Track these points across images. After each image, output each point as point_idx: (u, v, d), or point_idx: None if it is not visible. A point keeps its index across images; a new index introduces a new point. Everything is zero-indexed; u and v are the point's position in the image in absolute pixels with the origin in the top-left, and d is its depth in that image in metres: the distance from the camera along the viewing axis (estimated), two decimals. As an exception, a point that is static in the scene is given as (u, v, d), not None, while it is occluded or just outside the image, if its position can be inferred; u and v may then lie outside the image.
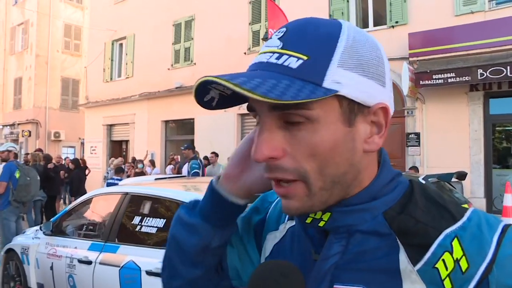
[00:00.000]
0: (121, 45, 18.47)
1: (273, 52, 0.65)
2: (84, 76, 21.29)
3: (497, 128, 9.95)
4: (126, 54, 17.90)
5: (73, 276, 4.02)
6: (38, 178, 7.83)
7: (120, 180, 9.50)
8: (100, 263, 3.79)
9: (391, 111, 0.69)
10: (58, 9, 25.18)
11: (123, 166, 11.56)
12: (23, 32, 25.81)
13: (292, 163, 0.65)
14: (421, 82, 9.28)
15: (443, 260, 0.62)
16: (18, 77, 25.83)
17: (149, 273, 3.34)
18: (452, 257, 0.62)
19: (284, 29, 0.68)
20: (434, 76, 9.16)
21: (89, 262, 3.87)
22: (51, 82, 24.76)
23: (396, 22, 10.54)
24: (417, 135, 9.95)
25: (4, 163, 7.34)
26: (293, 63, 0.62)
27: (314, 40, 0.64)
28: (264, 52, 0.67)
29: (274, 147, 0.65)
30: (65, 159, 12.00)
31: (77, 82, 25.77)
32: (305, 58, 0.62)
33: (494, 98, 9.50)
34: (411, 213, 0.67)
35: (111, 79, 18.63)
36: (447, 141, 9.54)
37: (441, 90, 9.48)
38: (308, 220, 0.72)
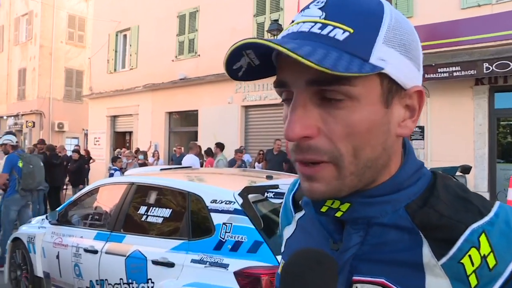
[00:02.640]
0: (125, 36, 18.44)
1: (315, 22, 0.61)
2: (88, 67, 21.28)
3: (501, 123, 9.91)
4: (130, 45, 17.87)
5: (79, 265, 4.05)
6: (42, 164, 7.88)
7: (117, 169, 9.55)
8: (106, 253, 3.81)
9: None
10: (62, 0, 25.12)
11: (117, 154, 11.59)
12: (27, 23, 25.78)
13: (326, 143, 0.62)
14: (426, 76, 9.24)
15: (469, 255, 0.60)
16: (22, 67, 25.85)
17: (155, 262, 3.36)
18: (479, 253, 0.60)
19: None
20: (439, 70, 9.11)
21: (95, 252, 3.90)
22: (55, 73, 24.77)
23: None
24: (421, 128, 9.92)
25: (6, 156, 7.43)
26: (339, 34, 0.59)
27: (359, 14, 0.61)
28: (303, 22, 0.63)
29: (309, 125, 0.61)
30: (74, 151, 11.94)
31: (81, 73, 25.77)
32: (351, 31, 0.59)
33: (499, 92, 9.44)
34: (434, 207, 0.65)
35: (115, 70, 18.63)
36: (451, 135, 9.51)
37: (446, 83, 9.44)
38: (323, 209, 0.69)
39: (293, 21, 0.66)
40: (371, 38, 0.60)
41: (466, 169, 6.74)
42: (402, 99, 0.65)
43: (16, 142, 7.51)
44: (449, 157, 9.20)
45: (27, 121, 24.28)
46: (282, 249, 0.89)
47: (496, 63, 8.37)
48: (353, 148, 0.62)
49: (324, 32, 0.60)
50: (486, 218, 0.62)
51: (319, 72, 0.55)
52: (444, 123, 9.63)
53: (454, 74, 8.93)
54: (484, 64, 8.50)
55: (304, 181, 0.66)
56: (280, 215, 0.96)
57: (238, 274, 2.90)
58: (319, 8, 0.63)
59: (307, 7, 0.65)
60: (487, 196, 9.34)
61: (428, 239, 0.63)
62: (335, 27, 0.60)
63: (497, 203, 0.66)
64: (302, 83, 0.61)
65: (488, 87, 9.33)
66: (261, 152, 11.26)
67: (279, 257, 2.81)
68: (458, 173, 6.69)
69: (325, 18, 0.61)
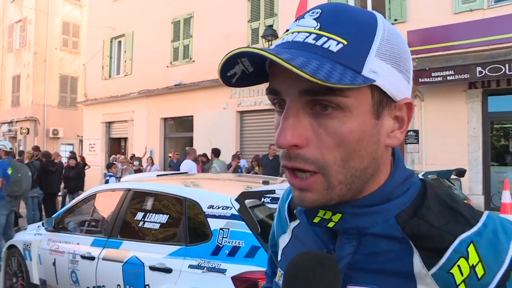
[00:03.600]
0: (119, 42, 18.45)
1: (310, 33, 0.63)
2: (83, 73, 21.26)
3: (495, 126, 9.99)
4: (125, 52, 17.88)
5: (76, 272, 4.04)
6: (30, 174, 8.17)
7: (112, 175, 9.54)
8: (103, 259, 3.80)
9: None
10: (56, 7, 25.10)
11: (113, 161, 11.57)
12: (21, 29, 25.74)
13: (314, 153, 0.63)
14: (420, 80, 9.31)
15: (459, 265, 0.62)
16: (16, 74, 25.79)
17: (153, 268, 3.36)
18: (468, 263, 0.61)
19: (319, 10, 0.65)
20: (433, 74, 9.19)
21: (92, 258, 3.89)
22: (50, 79, 24.72)
23: (395, 19, 10.55)
24: (416, 132, 9.97)
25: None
26: (333, 46, 0.60)
27: (353, 26, 0.62)
28: (298, 32, 0.64)
29: (299, 134, 0.63)
30: (71, 158, 11.93)
31: (75, 79, 25.74)
32: (345, 42, 0.61)
33: (492, 96, 9.53)
34: (424, 217, 0.66)
35: (109, 76, 18.61)
36: (446, 138, 9.57)
37: (440, 87, 9.51)
38: (316, 220, 0.71)
39: (287, 30, 0.67)
40: (364, 50, 0.61)
41: (461, 173, 6.79)
42: (392, 111, 0.67)
43: (10, 148, 7.74)
44: (443, 161, 9.26)
45: (21, 128, 24.20)
46: (279, 258, 0.90)
47: (489, 67, 8.46)
48: (342, 157, 0.63)
49: (319, 43, 0.61)
50: (475, 229, 0.64)
51: (312, 83, 0.56)
52: (438, 127, 9.69)
53: (448, 78, 9.01)
54: (477, 68, 8.59)
55: (295, 190, 0.68)
56: (274, 223, 0.97)
57: (236, 279, 2.91)
58: (314, 19, 0.64)
59: (302, 17, 0.66)
60: (482, 199, 9.40)
61: (419, 249, 0.65)
62: (329, 38, 0.61)
63: (485, 213, 0.68)
64: (295, 93, 0.63)
65: (481, 90, 9.41)
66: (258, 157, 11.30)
67: (276, 262, 2.82)
68: (453, 176, 6.74)
69: (319, 29, 0.63)
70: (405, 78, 0.67)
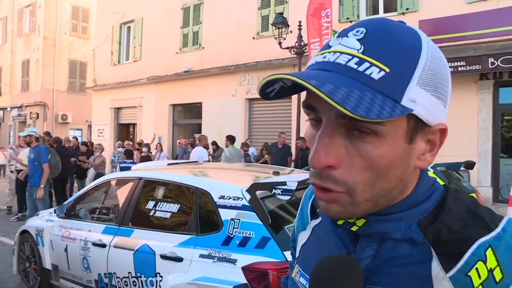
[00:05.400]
0: (129, 28, 18.43)
1: (353, 56, 0.62)
2: (92, 59, 21.29)
3: (505, 117, 9.90)
4: (134, 37, 17.87)
5: (87, 258, 4.10)
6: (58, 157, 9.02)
7: (133, 163, 9.59)
8: (114, 247, 3.85)
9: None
10: (66, -9, 25.09)
11: (132, 150, 11.61)
12: (31, 14, 25.77)
13: (344, 175, 0.64)
14: (431, 70, 9.21)
15: (477, 268, 0.63)
16: (25, 59, 25.87)
17: (164, 257, 3.40)
18: (486, 267, 0.62)
19: (364, 30, 0.65)
20: (444, 65, 9.10)
21: (103, 245, 3.94)
22: (59, 64, 24.80)
23: (407, 9, 10.45)
24: (425, 123, 9.90)
25: (27, 147, 8.68)
26: (375, 73, 0.60)
27: (397, 51, 0.62)
28: (340, 52, 0.64)
29: (333, 155, 0.64)
30: (82, 144, 12.04)
31: (84, 64, 25.79)
32: (387, 70, 0.60)
33: (504, 87, 9.44)
34: (444, 222, 0.67)
35: (119, 62, 18.64)
36: (455, 129, 9.49)
37: (451, 78, 9.42)
38: (340, 222, 0.72)
39: (329, 47, 0.67)
40: (405, 79, 0.61)
41: (470, 165, 6.78)
42: (425, 135, 0.67)
43: (39, 135, 8.22)
44: (452, 152, 9.17)
45: (31, 113, 24.36)
46: (297, 254, 0.92)
47: (502, 58, 8.37)
48: (370, 178, 0.64)
49: (361, 68, 0.61)
50: (494, 233, 0.65)
51: None
52: (448, 118, 9.40)
53: (459, 69, 8.92)
54: (490, 59, 8.49)
55: (321, 202, 0.69)
56: (296, 219, 0.99)
57: (246, 269, 2.93)
58: (358, 40, 0.64)
59: (345, 35, 0.66)
60: (490, 191, 9.37)
61: (438, 253, 0.66)
62: (371, 64, 0.61)
63: (505, 218, 0.68)
64: (333, 114, 0.63)
65: (493, 82, 9.33)
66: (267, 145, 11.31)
67: (286, 253, 2.85)
68: (462, 169, 6.72)
69: (363, 53, 0.62)
70: (442, 103, 0.67)
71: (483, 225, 0.66)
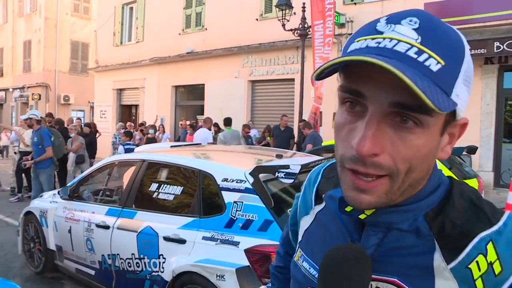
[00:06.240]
0: (131, 8, 18.28)
1: (411, 45, 0.61)
2: (94, 39, 21.17)
3: (509, 102, 9.85)
4: (137, 18, 17.74)
5: (91, 240, 4.14)
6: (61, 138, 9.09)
7: (134, 145, 9.59)
8: (118, 228, 3.88)
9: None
10: (67, -29, 24.81)
11: (132, 131, 11.57)
12: (32, -6, 25.54)
13: (389, 161, 0.64)
14: (435, 54, 9.15)
15: (477, 261, 0.65)
16: (27, 39, 25.72)
17: (167, 238, 3.43)
18: (486, 260, 0.65)
19: (416, 19, 0.64)
20: (448, 48, 9.02)
21: (106, 227, 3.97)
22: (61, 45, 24.65)
23: (412, -9, 10.31)
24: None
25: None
26: (433, 65, 0.60)
27: (451, 45, 0.63)
28: (398, 40, 0.62)
29: (379, 144, 0.63)
30: (85, 125, 11.99)
31: (86, 45, 25.64)
32: (442, 63, 0.61)
33: (509, 72, 9.37)
34: (448, 215, 0.69)
35: (121, 43, 18.54)
36: (459, 114, 9.47)
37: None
38: (348, 209, 0.73)
39: (381, 32, 0.65)
40: (455, 74, 0.62)
41: (472, 150, 6.76)
42: (451, 128, 0.69)
43: (41, 117, 8.15)
44: (455, 136, 9.19)
45: (33, 94, 24.32)
46: (299, 238, 0.93)
47: (508, 42, 8.28)
48: (408, 168, 0.65)
49: (420, 59, 0.61)
50: (495, 227, 0.67)
51: (407, 96, 0.58)
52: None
53: (464, 52, 8.83)
54: (495, 43, 8.40)
55: (352, 191, 0.68)
56: (298, 203, 0.99)
57: (249, 252, 2.96)
58: (414, 29, 0.63)
59: (398, 22, 0.64)
60: (491, 175, 9.38)
61: (440, 245, 0.68)
62: (430, 56, 0.61)
63: (507, 213, 0.70)
64: (384, 102, 0.63)
65: (497, 66, 9.26)
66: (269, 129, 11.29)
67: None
68: (464, 153, 6.71)
69: (421, 43, 0.62)
70: (468, 98, 0.69)
71: (485, 219, 0.68)
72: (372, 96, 0.63)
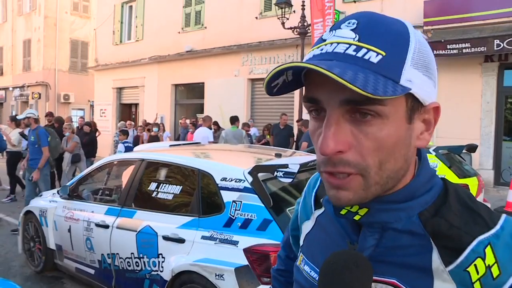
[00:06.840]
0: (130, 7, 18.27)
1: (350, 44, 0.65)
2: (94, 38, 21.15)
3: (509, 100, 9.84)
4: (136, 17, 17.72)
5: (90, 239, 4.14)
6: (58, 138, 8.99)
7: (129, 143, 9.58)
8: (117, 227, 3.88)
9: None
10: (66, -31, 24.78)
11: (127, 129, 11.56)
12: (31, -8, 25.50)
13: (356, 157, 0.66)
14: (434, 52, 8.97)
15: (475, 265, 0.65)
16: (26, 38, 25.72)
17: (166, 238, 3.43)
18: (484, 263, 0.65)
19: (355, 21, 0.68)
20: (448, 46, 9.02)
21: (106, 226, 3.98)
22: (60, 44, 24.64)
23: (412, -11, 10.30)
24: (428, 105, 9.87)
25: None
26: (373, 57, 0.64)
27: (390, 36, 0.66)
28: (337, 43, 0.67)
29: (342, 141, 0.65)
30: (85, 124, 11.95)
31: (86, 44, 25.63)
32: (383, 54, 0.64)
33: (509, 70, 9.36)
34: (445, 217, 0.70)
35: (120, 42, 18.53)
36: (459, 112, 9.47)
37: (454, 60, 9.35)
38: (343, 212, 0.74)
39: (324, 40, 0.70)
40: (400, 60, 0.65)
41: (472, 148, 6.76)
42: (421, 114, 0.71)
43: (38, 116, 8.09)
44: (455, 134, 9.20)
45: (33, 93, 24.31)
46: (301, 242, 0.94)
47: (508, 40, 8.28)
48: (379, 160, 0.67)
49: (359, 54, 0.64)
50: (493, 231, 0.68)
51: (353, 92, 0.59)
52: (451, 100, 9.57)
53: (464, 50, 8.84)
54: (495, 41, 8.40)
55: (331, 189, 0.70)
56: (298, 209, 1.00)
57: (248, 251, 2.96)
58: (352, 30, 0.67)
59: (338, 27, 0.69)
60: (491, 173, 9.38)
61: (438, 246, 0.69)
62: (368, 49, 0.64)
63: (503, 216, 0.71)
64: (336, 102, 0.66)
65: (497, 64, 9.25)
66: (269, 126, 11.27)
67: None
68: (464, 151, 6.71)
69: (358, 40, 0.65)
70: (432, 83, 0.71)
71: (482, 222, 0.69)
72: (326, 99, 0.67)
